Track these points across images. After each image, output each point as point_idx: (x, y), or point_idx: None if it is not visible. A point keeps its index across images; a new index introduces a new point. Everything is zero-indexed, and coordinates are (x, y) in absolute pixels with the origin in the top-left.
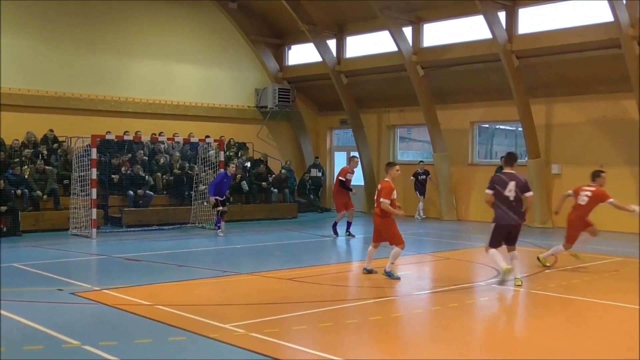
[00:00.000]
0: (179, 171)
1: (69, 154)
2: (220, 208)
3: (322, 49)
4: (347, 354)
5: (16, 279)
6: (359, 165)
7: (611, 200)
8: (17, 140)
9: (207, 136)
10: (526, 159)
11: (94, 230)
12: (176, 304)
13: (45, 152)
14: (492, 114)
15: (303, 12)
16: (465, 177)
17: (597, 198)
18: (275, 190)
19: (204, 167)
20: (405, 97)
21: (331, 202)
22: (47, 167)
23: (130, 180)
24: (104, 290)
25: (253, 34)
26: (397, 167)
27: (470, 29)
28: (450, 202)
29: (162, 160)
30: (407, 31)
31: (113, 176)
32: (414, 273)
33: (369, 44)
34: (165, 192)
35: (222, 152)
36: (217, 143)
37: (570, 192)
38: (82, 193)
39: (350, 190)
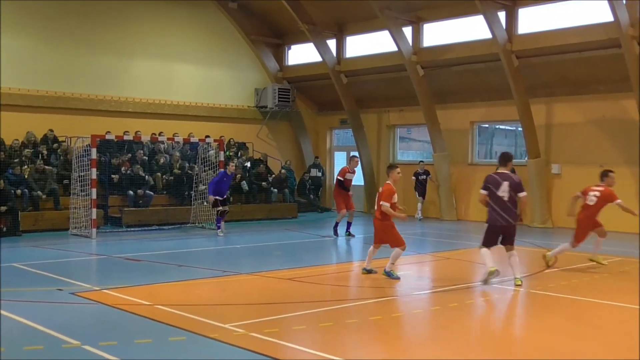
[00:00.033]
0: (179, 171)
1: (68, 154)
2: (220, 208)
3: (322, 48)
4: (347, 354)
5: (16, 279)
6: (359, 165)
7: (619, 201)
8: (17, 140)
9: (207, 136)
10: (526, 158)
11: (94, 230)
12: (176, 303)
13: (45, 152)
14: (492, 113)
15: (303, 12)
16: (465, 177)
17: (606, 198)
18: (275, 190)
19: (204, 167)
20: (405, 97)
21: (331, 201)
22: (46, 167)
23: (130, 180)
24: (104, 290)
25: (253, 34)
26: (399, 169)
27: (470, 29)
28: (450, 202)
29: (162, 160)
30: (407, 31)
31: (113, 176)
32: (414, 273)
33: (369, 44)
34: (165, 192)
35: (222, 152)
36: (217, 143)
37: (579, 193)
38: (82, 193)
39: (347, 190)
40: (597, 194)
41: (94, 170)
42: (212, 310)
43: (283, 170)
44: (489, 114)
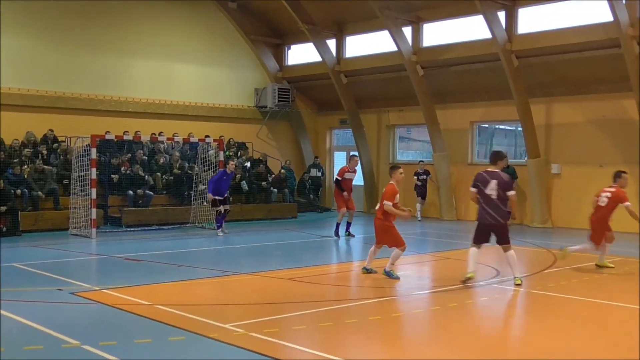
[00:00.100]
0: (179, 171)
1: (68, 154)
2: (219, 208)
3: (322, 48)
4: (347, 353)
5: (16, 279)
6: (359, 165)
7: (627, 204)
8: (17, 140)
9: (207, 136)
10: (526, 158)
11: (94, 230)
12: (176, 303)
13: (44, 151)
14: (491, 113)
15: (303, 12)
16: (465, 177)
17: (616, 199)
18: (275, 190)
19: (204, 167)
20: (404, 96)
21: (331, 201)
22: (45, 166)
23: (129, 180)
24: (104, 290)
25: (253, 34)
26: (401, 169)
27: (469, 29)
28: (450, 202)
29: (161, 160)
30: (407, 31)
31: (113, 176)
32: (414, 273)
33: (368, 44)
34: (164, 192)
35: (221, 152)
36: (216, 143)
37: (595, 197)
38: (82, 193)
39: (343, 190)
40: (609, 194)
41: (94, 170)
42: (212, 310)
43: (283, 170)
44: (488, 114)
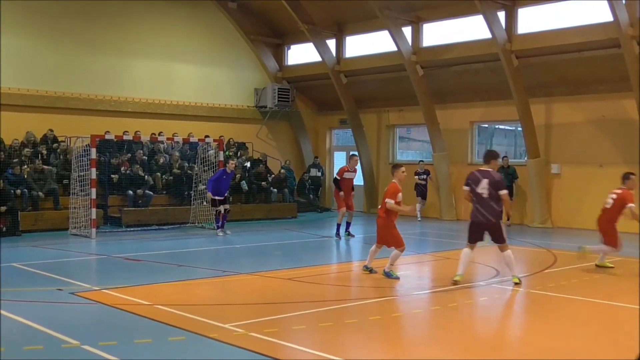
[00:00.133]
0: (179, 171)
1: (68, 154)
2: (219, 208)
3: (322, 48)
4: (347, 353)
5: (16, 279)
6: (359, 165)
7: (631, 205)
8: (16, 140)
9: (207, 136)
10: (526, 158)
11: (94, 230)
12: (175, 303)
13: (44, 151)
14: (491, 113)
15: (303, 12)
16: (465, 177)
17: (622, 200)
18: (275, 190)
19: (204, 167)
20: (404, 96)
21: (331, 201)
22: (45, 166)
23: (129, 180)
24: (104, 290)
25: (252, 34)
26: (403, 168)
27: (469, 29)
28: (450, 201)
29: (161, 160)
30: (407, 31)
31: (112, 176)
32: (414, 273)
33: (368, 44)
34: (164, 192)
35: (221, 152)
36: (216, 143)
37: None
38: (82, 193)
39: (340, 189)
40: (615, 196)
41: (94, 170)
42: (212, 310)
43: (282, 170)
44: (488, 113)
